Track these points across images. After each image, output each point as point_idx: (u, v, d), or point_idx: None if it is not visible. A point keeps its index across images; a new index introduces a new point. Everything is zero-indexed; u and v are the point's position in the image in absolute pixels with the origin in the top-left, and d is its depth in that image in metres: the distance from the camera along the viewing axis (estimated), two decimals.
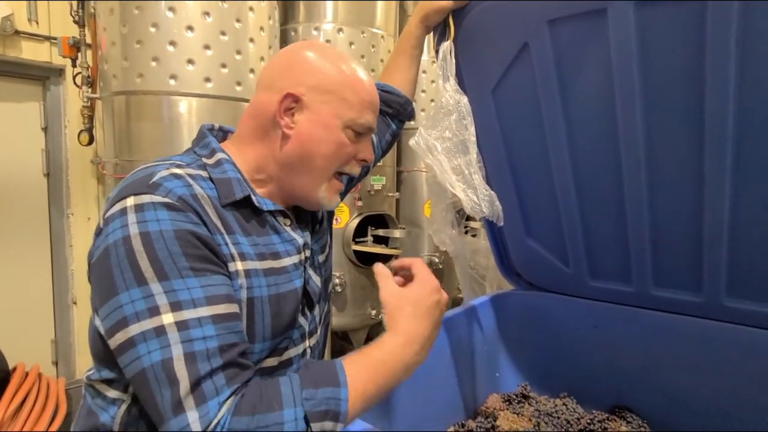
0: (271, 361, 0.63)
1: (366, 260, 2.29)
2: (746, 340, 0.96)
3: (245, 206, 0.63)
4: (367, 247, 2.28)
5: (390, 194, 2.44)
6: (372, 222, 2.35)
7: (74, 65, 2.12)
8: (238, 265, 0.59)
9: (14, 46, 2.14)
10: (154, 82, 1.72)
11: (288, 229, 0.67)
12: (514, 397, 1.16)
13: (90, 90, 2.09)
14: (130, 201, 0.55)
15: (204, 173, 0.62)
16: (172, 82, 1.72)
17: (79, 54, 2.10)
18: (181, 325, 0.51)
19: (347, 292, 2.25)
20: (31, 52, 2.18)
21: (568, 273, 1.15)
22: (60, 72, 2.29)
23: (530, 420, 1.08)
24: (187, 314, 0.51)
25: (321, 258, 0.74)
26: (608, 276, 1.10)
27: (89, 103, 2.13)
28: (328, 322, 0.79)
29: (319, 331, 0.72)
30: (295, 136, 0.65)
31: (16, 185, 2.25)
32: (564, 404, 1.14)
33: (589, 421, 1.07)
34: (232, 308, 0.55)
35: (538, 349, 1.22)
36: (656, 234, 0.99)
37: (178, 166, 0.61)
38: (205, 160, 0.64)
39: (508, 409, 1.13)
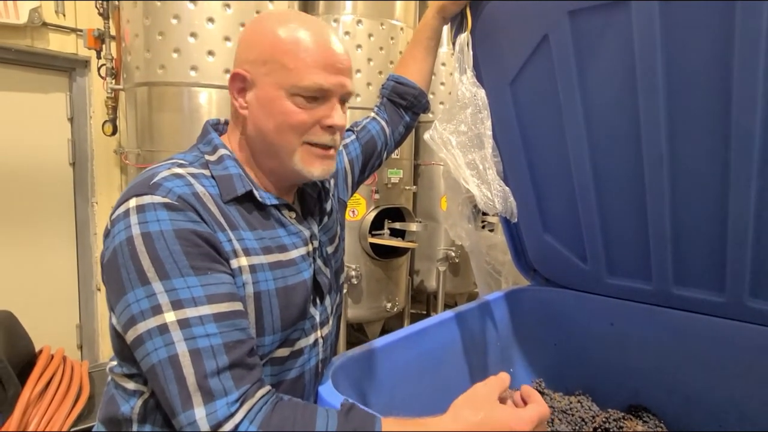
0: (282, 352, 0.64)
1: (382, 253, 2.30)
2: None
3: (248, 201, 0.63)
4: (383, 240, 2.28)
5: (407, 187, 2.43)
6: (389, 215, 2.35)
7: (99, 57, 2.17)
8: (242, 261, 0.59)
9: (42, 38, 2.19)
10: (176, 74, 1.75)
11: (293, 221, 0.67)
12: None
13: (114, 81, 2.13)
14: (133, 202, 0.56)
15: (206, 171, 0.63)
16: (192, 73, 1.74)
17: (104, 46, 2.14)
18: (183, 323, 0.52)
19: (363, 284, 2.26)
20: (58, 44, 2.23)
21: (586, 269, 1.13)
22: (85, 63, 2.34)
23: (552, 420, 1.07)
24: (189, 312, 0.52)
25: (330, 249, 0.74)
26: (627, 273, 1.08)
27: (113, 94, 2.17)
28: (340, 313, 0.80)
29: (330, 322, 0.72)
30: (250, 117, 0.63)
31: (43, 174, 2.32)
32: (579, 402, 1.12)
33: (604, 419, 1.06)
34: (236, 306, 0.56)
35: (553, 345, 1.20)
36: (678, 231, 0.96)
37: (180, 166, 0.61)
38: (207, 157, 0.64)
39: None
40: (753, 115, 0.78)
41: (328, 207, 0.75)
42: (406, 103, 0.93)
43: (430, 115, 2.31)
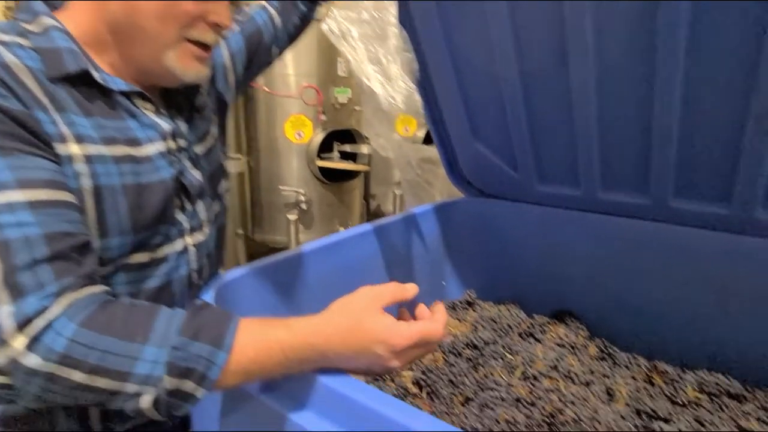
0: (142, 257, 0.58)
1: (332, 177, 2.23)
2: (691, 241, 0.92)
3: (86, 84, 0.54)
4: (333, 164, 2.20)
5: (357, 108, 2.31)
6: (338, 137, 2.26)
7: None
8: (73, 149, 0.51)
9: None
10: None
11: (149, 113, 0.59)
12: (459, 304, 1.15)
13: None
14: None
15: (23, 41, 0.52)
16: None
17: None
18: None
19: (314, 209, 2.21)
20: None
21: (516, 178, 1.09)
22: None
23: (471, 325, 1.07)
24: None
25: (200, 149, 0.66)
26: (556, 180, 1.05)
27: None
28: (221, 224, 0.74)
29: (206, 230, 0.66)
30: None
31: None
32: (507, 309, 1.13)
33: (529, 325, 1.07)
34: (60, 195, 0.49)
35: (486, 256, 1.19)
36: (604, 134, 0.92)
37: None
38: (25, 25, 0.54)
39: (450, 315, 1.12)
40: (677, 14, 0.71)
41: (198, 102, 0.66)
42: None
43: None
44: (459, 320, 1.10)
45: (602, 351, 1.00)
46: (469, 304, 1.16)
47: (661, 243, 0.96)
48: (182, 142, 0.62)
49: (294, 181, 2.16)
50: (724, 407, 0.83)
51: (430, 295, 1.16)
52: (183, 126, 0.63)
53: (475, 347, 0.98)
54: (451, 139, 1.13)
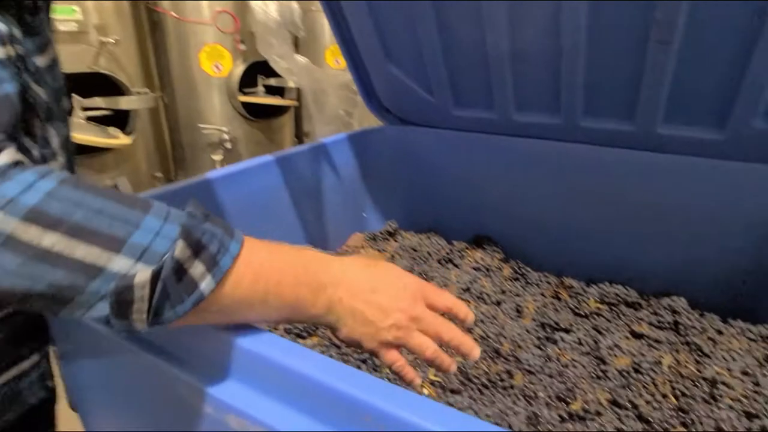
0: None
1: (258, 113, 2.10)
2: (599, 159, 0.93)
3: None
4: (257, 99, 2.07)
5: None
6: (262, 70, 2.11)
7: None
8: None
9: None
10: None
11: None
12: (380, 235, 1.14)
13: None
14: None
15: None
16: None
17: None
18: None
19: (240, 149, 2.10)
20: None
21: (433, 103, 1.05)
22: None
23: (390, 255, 1.07)
24: None
25: (41, 61, 0.57)
26: (472, 103, 1.02)
27: None
28: (73, 150, 0.65)
29: (59, 158, 0.58)
30: None
31: None
32: (428, 238, 1.13)
33: (448, 251, 1.08)
34: None
35: (406, 185, 1.17)
36: (516, 56, 0.89)
37: None
38: None
39: (371, 246, 1.11)
40: None
41: (28, 2, 0.56)
42: None
43: None
44: (379, 251, 1.09)
45: (516, 272, 1.02)
46: (391, 234, 1.15)
47: (572, 163, 0.97)
48: (21, 50, 0.52)
49: (216, 119, 2.02)
50: (621, 315, 0.88)
51: (349, 226, 1.14)
52: (17, 31, 0.52)
53: None
54: (364, 62, 1.06)
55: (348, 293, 0.42)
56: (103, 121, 1.68)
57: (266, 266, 0.39)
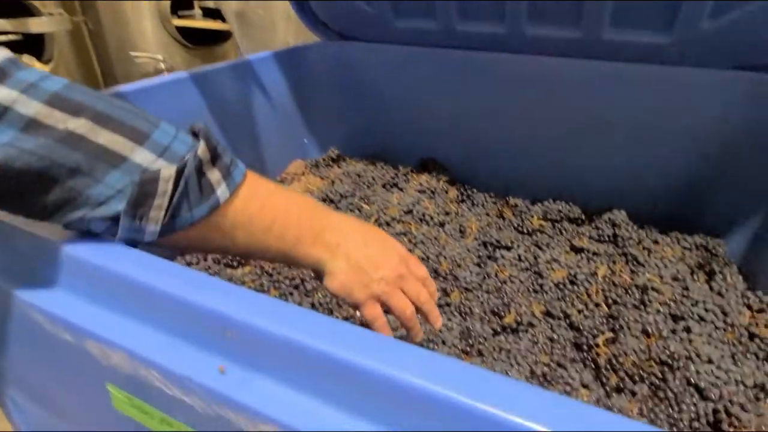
0: None
1: (197, 39, 1.94)
2: (545, 69, 0.89)
3: None
4: (193, 22, 1.90)
5: None
6: None
7: None
8: None
9: None
10: None
11: None
12: (322, 161, 1.09)
13: None
14: None
15: None
16: None
17: None
18: None
19: None
20: None
21: (371, 13, 0.97)
22: None
23: (331, 182, 1.02)
24: None
25: None
26: (412, 13, 0.94)
27: None
28: None
29: None
30: None
31: None
32: (373, 163, 1.08)
33: (393, 176, 1.03)
34: None
35: (348, 108, 1.10)
36: None
37: None
38: None
39: (313, 173, 1.06)
40: None
41: None
42: None
43: None
44: (321, 178, 1.04)
45: (462, 194, 1.00)
46: (334, 160, 1.09)
47: (517, 74, 0.91)
48: None
49: (150, 46, 1.85)
50: (563, 231, 0.87)
51: (288, 154, 1.07)
52: None
53: (331, 201, 0.93)
54: None
55: (345, 241, 0.43)
56: (13, 48, 1.51)
57: (272, 199, 0.39)
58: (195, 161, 0.33)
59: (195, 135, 0.36)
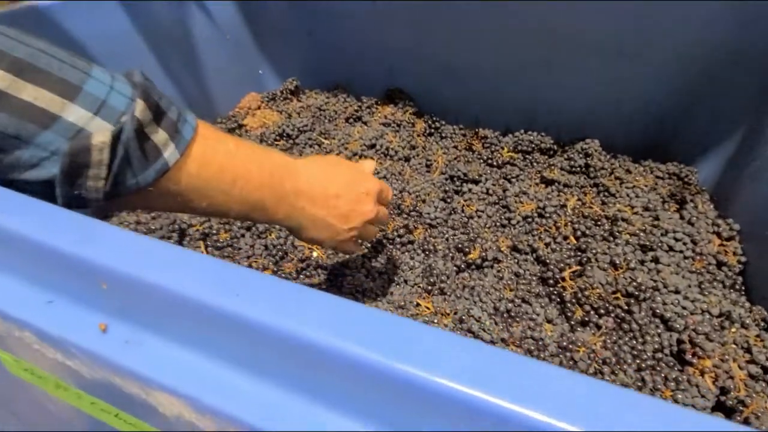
0: None
1: None
2: None
3: None
4: None
5: None
6: None
7: None
8: None
9: None
10: None
11: None
12: (280, 94, 1.00)
13: None
14: None
15: None
16: None
17: None
18: None
19: None
20: None
21: None
22: None
23: (288, 114, 0.94)
24: None
25: None
26: None
27: None
28: None
29: None
30: None
31: None
32: (335, 95, 1.01)
33: (356, 108, 0.96)
34: None
35: (306, 34, 1.00)
36: None
37: None
38: None
39: (270, 107, 0.98)
40: None
41: None
42: None
43: None
44: (279, 112, 0.96)
45: (430, 126, 0.94)
46: (292, 93, 1.01)
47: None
48: None
49: None
50: (534, 163, 0.83)
51: (240, 86, 0.99)
52: None
53: (289, 137, 0.86)
54: None
55: (310, 202, 0.41)
56: None
57: (232, 159, 0.35)
58: (133, 123, 0.28)
59: (135, 74, 0.31)
